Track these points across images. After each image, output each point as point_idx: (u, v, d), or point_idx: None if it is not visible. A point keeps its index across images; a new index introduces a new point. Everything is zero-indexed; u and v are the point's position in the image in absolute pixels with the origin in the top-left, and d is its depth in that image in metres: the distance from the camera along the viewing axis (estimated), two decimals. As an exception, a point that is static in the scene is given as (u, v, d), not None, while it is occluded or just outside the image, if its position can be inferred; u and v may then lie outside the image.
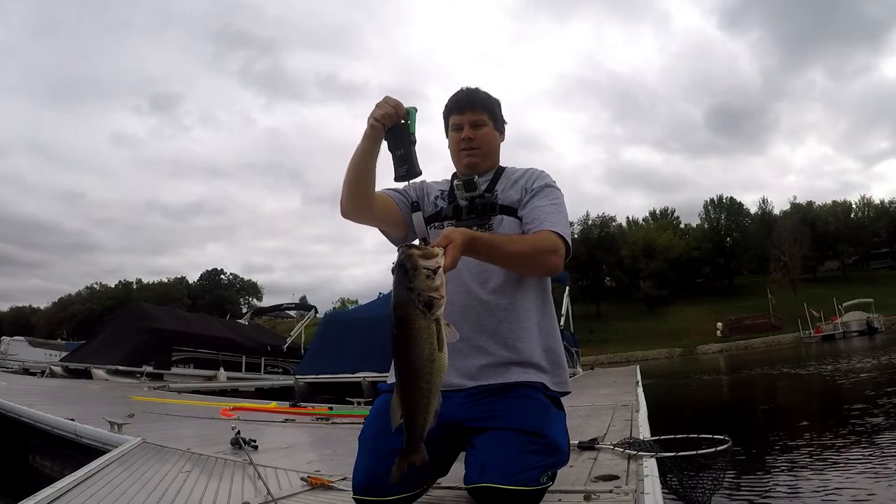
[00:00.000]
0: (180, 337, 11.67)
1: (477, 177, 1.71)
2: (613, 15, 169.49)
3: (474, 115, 1.72)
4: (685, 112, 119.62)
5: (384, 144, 1.51)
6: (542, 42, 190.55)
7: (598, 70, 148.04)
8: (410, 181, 1.62)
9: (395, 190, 1.76)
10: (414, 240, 1.72)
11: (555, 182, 1.71)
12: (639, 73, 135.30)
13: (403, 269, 1.08)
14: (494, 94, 1.78)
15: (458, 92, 1.75)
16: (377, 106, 1.47)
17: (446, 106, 1.76)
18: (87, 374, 10.30)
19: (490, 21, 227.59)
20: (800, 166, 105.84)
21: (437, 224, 1.72)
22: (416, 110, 1.48)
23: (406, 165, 1.48)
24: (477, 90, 1.75)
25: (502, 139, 1.82)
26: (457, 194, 1.71)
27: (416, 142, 1.48)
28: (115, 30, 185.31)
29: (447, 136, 1.78)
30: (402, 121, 1.47)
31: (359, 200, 1.60)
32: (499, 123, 1.78)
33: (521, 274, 1.61)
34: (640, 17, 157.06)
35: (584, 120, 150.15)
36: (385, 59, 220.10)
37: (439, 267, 1.10)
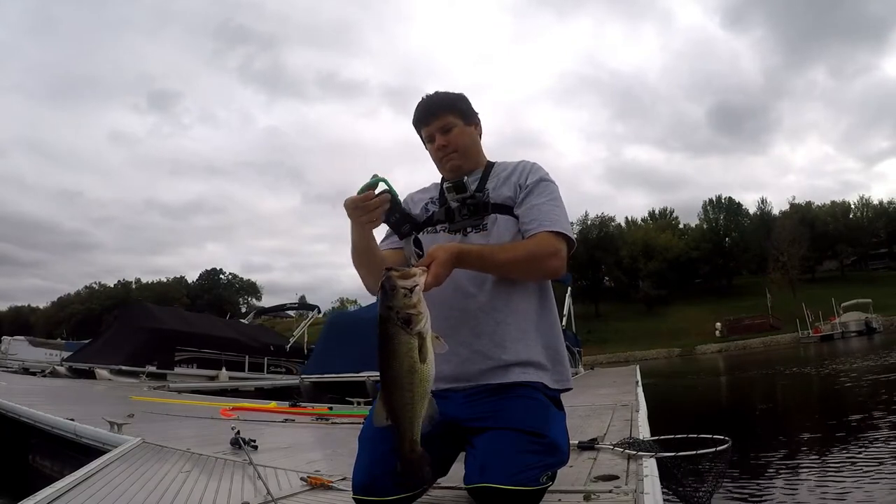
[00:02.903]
0: (183, 337, 11.67)
1: (466, 177, 1.69)
2: (615, 13, 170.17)
3: (439, 121, 1.68)
4: (686, 111, 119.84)
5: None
6: (542, 40, 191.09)
7: (600, 68, 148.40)
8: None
9: (388, 236, 1.75)
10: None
11: (548, 174, 1.68)
12: (640, 72, 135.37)
13: (383, 290, 1.20)
14: (455, 91, 1.73)
15: (418, 104, 1.72)
16: (363, 211, 1.41)
17: (412, 121, 1.73)
18: (90, 374, 10.32)
19: (490, 19, 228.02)
20: (800, 166, 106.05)
21: (429, 229, 1.70)
22: (384, 179, 1.42)
23: (406, 224, 1.62)
24: (436, 94, 1.72)
25: (479, 132, 1.78)
26: (447, 197, 1.69)
27: (401, 201, 1.60)
28: (114, 27, 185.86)
29: (426, 148, 1.76)
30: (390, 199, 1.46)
31: (378, 277, 1.60)
32: (468, 118, 1.73)
33: (521, 280, 1.59)
34: (641, 15, 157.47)
35: (585, 118, 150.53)
36: (385, 58, 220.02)
37: (416, 286, 1.21)
